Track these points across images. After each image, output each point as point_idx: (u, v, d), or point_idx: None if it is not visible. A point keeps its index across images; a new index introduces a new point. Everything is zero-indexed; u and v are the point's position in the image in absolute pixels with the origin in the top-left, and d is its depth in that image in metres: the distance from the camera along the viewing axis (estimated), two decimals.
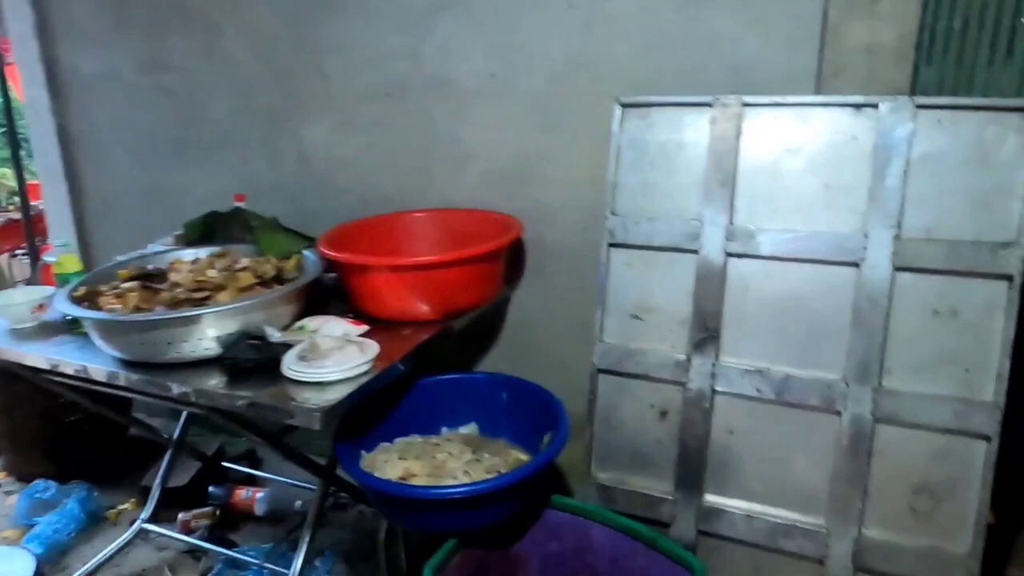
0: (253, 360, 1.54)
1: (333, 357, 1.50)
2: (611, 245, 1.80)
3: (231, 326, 1.57)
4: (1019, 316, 1.46)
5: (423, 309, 1.72)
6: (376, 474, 1.54)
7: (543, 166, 2.01)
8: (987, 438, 1.49)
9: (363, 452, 1.66)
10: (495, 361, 2.22)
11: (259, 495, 2.32)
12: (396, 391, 1.76)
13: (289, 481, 2.38)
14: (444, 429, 1.81)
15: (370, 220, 2.04)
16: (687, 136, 1.71)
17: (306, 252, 1.88)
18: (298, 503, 2.31)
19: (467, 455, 1.62)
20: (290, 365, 1.50)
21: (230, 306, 1.55)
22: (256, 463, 2.58)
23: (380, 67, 2.14)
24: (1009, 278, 1.45)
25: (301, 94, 2.29)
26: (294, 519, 2.28)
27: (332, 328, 1.66)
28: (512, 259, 2.07)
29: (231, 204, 2.23)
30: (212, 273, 1.74)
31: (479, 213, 2.00)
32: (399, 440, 1.73)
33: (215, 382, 1.52)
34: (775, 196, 1.64)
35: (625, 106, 1.76)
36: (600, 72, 1.88)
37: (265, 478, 2.46)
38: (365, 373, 1.48)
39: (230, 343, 1.57)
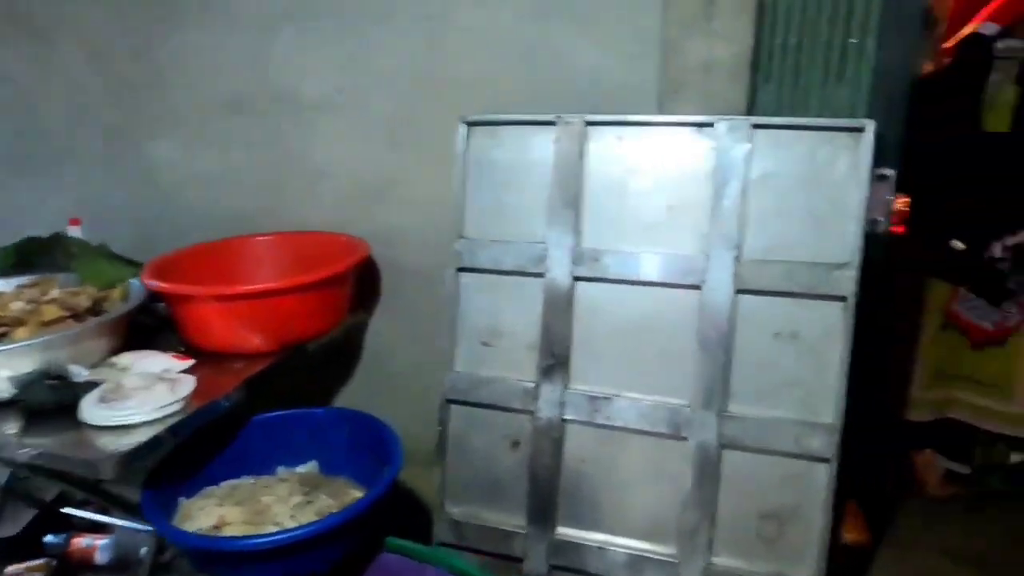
0: (49, 402, 1.40)
1: (137, 397, 1.36)
2: (459, 269, 1.72)
3: (27, 365, 1.41)
4: (857, 338, 1.45)
5: (255, 340, 1.59)
6: (188, 523, 1.41)
7: (396, 186, 1.92)
8: (826, 460, 1.47)
9: (182, 498, 1.52)
10: (354, 391, 2.10)
11: (101, 543, 2.12)
12: (226, 429, 1.63)
13: (138, 526, 2.19)
14: (281, 469, 1.68)
15: (209, 245, 1.91)
16: (533, 156, 1.64)
17: (134, 281, 1.73)
18: (144, 550, 2.12)
19: (297, 497, 1.50)
20: (88, 408, 1.36)
21: (19, 344, 1.40)
22: (104, 507, 2.37)
23: (225, 80, 2.01)
24: (844, 299, 1.44)
25: (144, 108, 2.13)
26: (139, 568, 2.09)
27: (150, 364, 1.52)
28: (367, 283, 1.97)
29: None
30: (16, 306, 1.57)
31: (323, 236, 1.89)
32: (226, 483, 1.59)
33: (5, 428, 1.37)
34: (621, 217, 1.60)
35: (470, 124, 1.69)
36: (448, 88, 1.81)
37: (112, 524, 2.26)
38: (175, 413, 1.35)
39: (26, 384, 1.41)
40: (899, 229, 2.68)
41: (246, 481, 1.61)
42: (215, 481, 1.59)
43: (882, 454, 2.56)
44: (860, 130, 1.40)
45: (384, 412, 2.00)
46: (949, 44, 2.43)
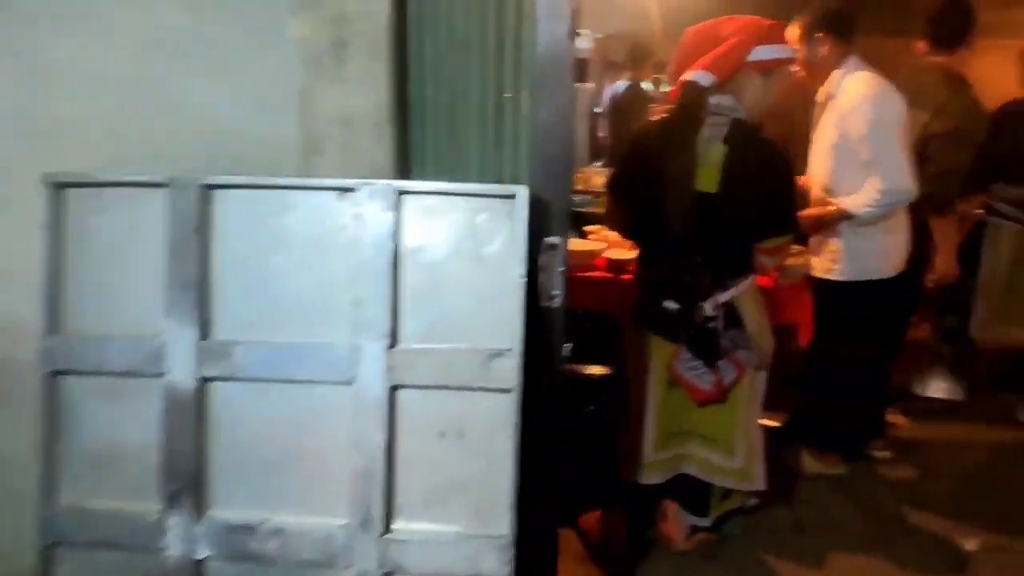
0: None
1: None
2: (56, 373, 1.34)
3: None
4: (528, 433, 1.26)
5: None
6: None
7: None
8: None
9: None
10: None
11: None
12: None
13: None
14: None
15: None
16: (146, 226, 1.31)
17: None
18: None
19: None
20: None
21: None
22: None
23: None
24: (508, 391, 1.23)
25: None
26: None
27: None
28: None
29: None
30: None
31: None
32: None
33: None
34: (260, 301, 1.31)
35: (62, 186, 1.33)
36: (51, 142, 1.43)
37: None
38: None
39: None
40: (629, 277, 2.61)
41: None
42: None
43: (625, 519, 2.46)
44: (512, 197, 1.22)
45: (10, 539, 1.57)
46: (672, 92, 2.31)
